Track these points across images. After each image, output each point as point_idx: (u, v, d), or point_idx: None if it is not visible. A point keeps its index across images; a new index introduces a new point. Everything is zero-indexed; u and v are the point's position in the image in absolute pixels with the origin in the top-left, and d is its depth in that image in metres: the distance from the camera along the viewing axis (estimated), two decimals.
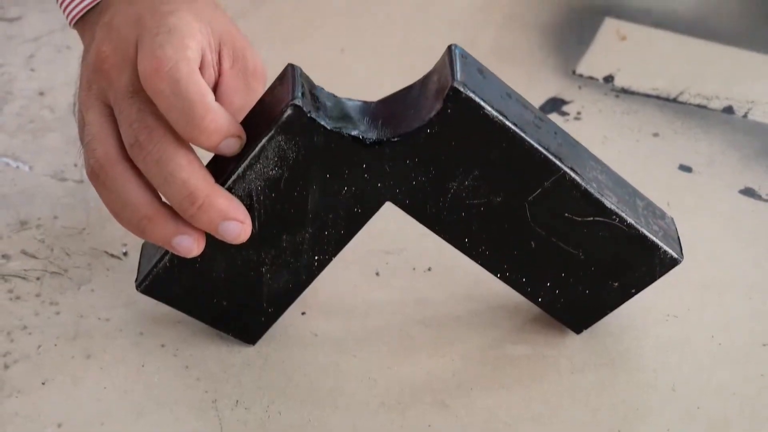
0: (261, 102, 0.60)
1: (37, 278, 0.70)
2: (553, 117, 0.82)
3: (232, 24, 0.63)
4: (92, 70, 0.60)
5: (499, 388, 0.64)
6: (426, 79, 0.60)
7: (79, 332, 0.66)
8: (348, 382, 0.64)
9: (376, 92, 0.62)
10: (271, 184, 0.59)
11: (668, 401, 0.63)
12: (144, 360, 0.65)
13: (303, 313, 0.67)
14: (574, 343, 0.66)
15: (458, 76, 0.57)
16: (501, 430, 0.62)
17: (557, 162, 0.59)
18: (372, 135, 0.59)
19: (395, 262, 0.71)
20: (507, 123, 0.57)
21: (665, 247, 0.62)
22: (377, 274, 0.71)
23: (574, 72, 0.87)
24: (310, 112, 0.57)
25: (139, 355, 0.65)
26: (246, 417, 0.62)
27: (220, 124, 0.56)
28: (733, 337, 0.66)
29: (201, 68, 0.59)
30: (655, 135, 0.81)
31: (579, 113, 0.83)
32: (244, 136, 0.58)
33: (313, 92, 0.59)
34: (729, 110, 0.83)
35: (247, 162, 0.58)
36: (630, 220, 0.60)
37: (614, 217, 0.60)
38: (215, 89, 0.61)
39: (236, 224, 0.58)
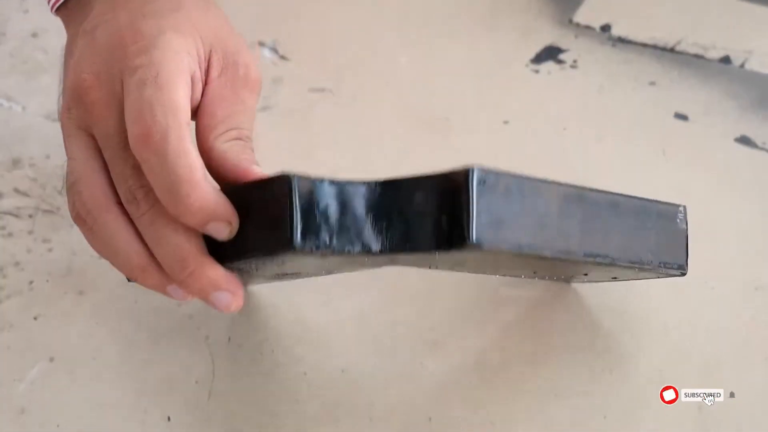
0: (257, 194, 0.54)
1: (30, 216, 0.69)
2: (549, 65, 0.81)
3: (226, 25, 0.59)
4: (73, 95, 0.55)
5: (492, 329, 0.64)
6: (436, 185, 0.53)
7: (72, 269, 0.66)
8: (341, 322, 0.64)
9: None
10: (268, 265, 0.56)
11: (661, 342, 0.63)
12: (136, 297, 0.65)
13: None
14: (568, 284, 0.66)
15: (474, 229, 0.51)
16: (494, 369, 0.62)
17: (580, 258, 0.56)
18: (377, 246, 0.54)
19: None
20: (529, 251, 0.53)
21: (670, 271, 0.61)
22: None
23: (570, 21, 0.86)
24: (311, 249, 0.52)
25: (131, 292, 0.65)
26: (238, 354, 0.62)
27: (205, 204, 0.51)
28: (726, 282, 0.66)
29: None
30: (652, 84, 0.80)
31: (575, 61, 0.82)
32: (235, 222, 0.53)
33: (312, 197, 0.52)
34: (726, 60, 0.83)
35: (241, 260, 0.54)
36: (638, 266, 0.59)
37: (625, 268, 0.59)
38: (201, 99, 0.56)
39: (228, 295, 0.54)
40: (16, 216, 0.69)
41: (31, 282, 0.65)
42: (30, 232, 0.68)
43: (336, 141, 0.77)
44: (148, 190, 0.53)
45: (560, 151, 0.76)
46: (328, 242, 0.53)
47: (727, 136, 0.76)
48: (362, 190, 0.53)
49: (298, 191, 0.52)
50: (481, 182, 0.51)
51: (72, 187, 0.55)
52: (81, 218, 0.55)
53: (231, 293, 0.54)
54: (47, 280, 0.65)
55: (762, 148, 0.75)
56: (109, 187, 0.54)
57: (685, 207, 0.61)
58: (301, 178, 0.52)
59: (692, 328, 0.63)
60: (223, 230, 0.52)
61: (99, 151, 0.55)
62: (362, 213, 0.53)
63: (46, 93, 0.78)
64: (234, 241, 0.53)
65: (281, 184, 0.52)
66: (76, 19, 0.60)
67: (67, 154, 0.56)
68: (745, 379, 0.61)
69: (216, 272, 0.53)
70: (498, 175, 0.51)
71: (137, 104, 0.52)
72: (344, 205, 0.53)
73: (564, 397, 0.61)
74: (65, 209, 0.69)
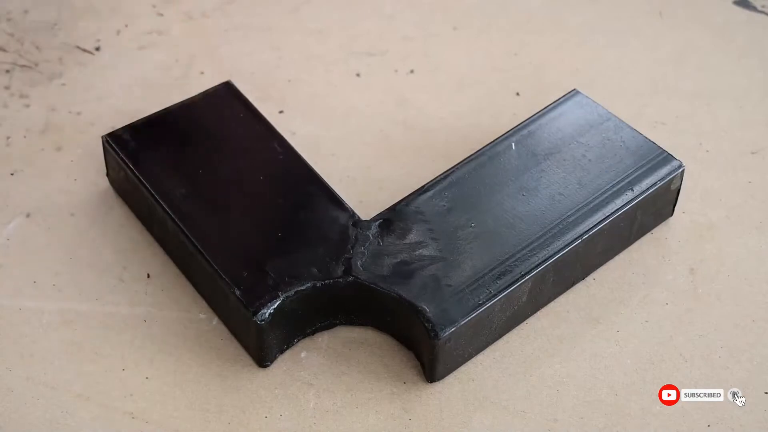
0: (233, 301, 0.54)
1: (7, 71, 0.67)
2: None
3: None
4: None
5: None
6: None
7: (50, 125, 0.64)
8: (327, 181, 0.62)
9: None
10: None
11: None
12: None
13: (281, 112, 0.66)
14: None
15: (436, 375, 0.53)
16: None
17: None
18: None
19: (377, 64, 0.69)
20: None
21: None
22: (358, 75, 0.68)
23: None
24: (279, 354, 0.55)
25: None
26: None
27: None
28: (721, 145, 0.65)
29: None
30: None
31: None
32: None
33: (277, 319, 0.53)
34: None
35: None
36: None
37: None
38: None
39: None
40: None
41: (8, 138, 0.64)
42: (7, 88, 0.66)
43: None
44: None
45: (555, 11, 0.74)
46: (295, 341, 0.55)
47: None
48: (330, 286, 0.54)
49: (265, 331, 0.53)
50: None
51: None
52: None
53: None
54: (24, 136, 0.64)
55: (761, 12, 0.73)
56: None
57: (683, 169, 0.59)
58: (265, 323, 0.52)
59: (685, 191, 0.61)
60: None
61: None
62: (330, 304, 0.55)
63: None
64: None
65: (249, 320, 0.52)
66: None
67: None
68: (738, 243, 0.59)
69: None
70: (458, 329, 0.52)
71: None
72: (307, 305, 0.54)
73: None
74: (44, 65, 0.67)
